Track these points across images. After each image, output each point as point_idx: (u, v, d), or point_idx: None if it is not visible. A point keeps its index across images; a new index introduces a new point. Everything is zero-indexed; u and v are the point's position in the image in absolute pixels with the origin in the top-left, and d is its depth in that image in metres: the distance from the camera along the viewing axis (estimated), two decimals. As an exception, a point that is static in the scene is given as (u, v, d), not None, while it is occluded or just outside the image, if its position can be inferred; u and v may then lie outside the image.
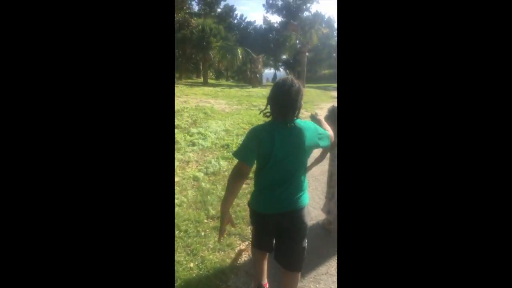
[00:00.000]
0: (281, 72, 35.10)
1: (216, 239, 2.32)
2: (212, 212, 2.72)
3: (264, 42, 23.95)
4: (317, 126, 1.45)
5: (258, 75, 17.34)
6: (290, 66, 28.45)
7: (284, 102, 1.33)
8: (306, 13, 24.94)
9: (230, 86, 17.45)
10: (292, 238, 1.44)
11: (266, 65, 29.64)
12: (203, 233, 2.39)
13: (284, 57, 29.15)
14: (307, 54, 20.44)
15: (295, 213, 1.39)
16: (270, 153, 1.32)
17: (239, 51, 17.48)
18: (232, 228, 2.19)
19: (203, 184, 3.35)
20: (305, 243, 1.49)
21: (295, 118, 1.36)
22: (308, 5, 24.69)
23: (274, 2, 24.74)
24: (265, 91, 14.46)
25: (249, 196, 1.98)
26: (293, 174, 1.37)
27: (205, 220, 2.60)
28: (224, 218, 1.41)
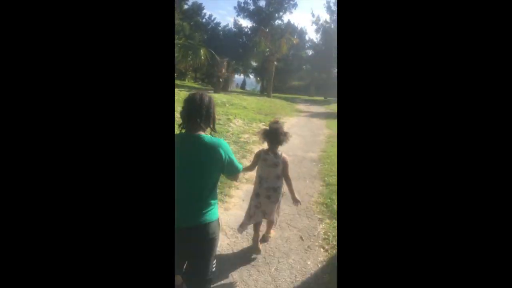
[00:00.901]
0: (251, 79, 34.15)
1: None
2: None
3: (234, 46, 22.80)
4: (229, 151, 1.38)
5: (221, 80, 16.02)
6: (260, 73, 27.56)
7: (187, 115, 1.36)
8: (278, 22, 24.29)
9: (189, 89, 15.99)
10: (199, 254, 1.40)
11: (235, 70, 28.50)
12: None
13: (255, 64, 28.25)
14: (275, 63, 19.57)
15: (202, 228, 1.36)
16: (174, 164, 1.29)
17: (202, 51, 16.09)
18: None
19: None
20: (214, 266, 1.49)
21: (203, 133, 1.37)
22: (281, 13, 24.08)
23: (245, 6, 23.79)
24: (226, 98, 13.23)
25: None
26: (198, 189, 1.34)
27: None
28: None
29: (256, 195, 2.35)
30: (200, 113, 1.33)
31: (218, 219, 1.43)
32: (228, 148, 1.38)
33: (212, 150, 1.32)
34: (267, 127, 2.37)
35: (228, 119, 8.34)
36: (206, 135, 1.35)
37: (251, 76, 32.86)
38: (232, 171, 1.43)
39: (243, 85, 33.69)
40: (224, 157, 1.34)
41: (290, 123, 10.13)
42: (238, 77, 33.70)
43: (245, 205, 2.75)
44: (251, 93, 22.69)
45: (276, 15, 23.94)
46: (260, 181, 2.31)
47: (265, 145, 2.41)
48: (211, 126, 1.41)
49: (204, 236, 1.35)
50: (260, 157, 2.31)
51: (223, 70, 16.11)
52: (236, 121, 8.36)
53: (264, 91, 21.90)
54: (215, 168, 1.34)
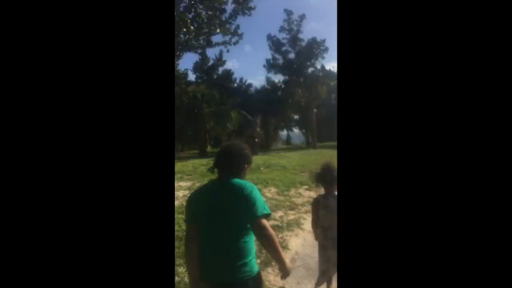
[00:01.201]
0: (295, 133, 32.49)
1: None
2: None
3: (269, 103, 21.84)
4: (257, 199, 1.21)
5: (256, 140, 14.40)
6: (303, 125, 25.78)
7: (220, 160, 1.32)
8: (311, 69, 23.11)
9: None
10: None
11: (277, 127, 27.29)
12: None
13: (296, 116, 26.79)
14: (315, 110, 17.65)
15: (239, 285, 1.22)
16: (199, 212, 1.27)
17: (232, 114, 15.05)
18: None
19: None
20: None
21: (231, 178, 1.28)
22: (313, 61, 23.00)
23: (274, 62, 23.32)
24: (263, 159, 11.34)
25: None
26: (228, 239, 1.22)
27: None
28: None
29: (322, 248, 2.01)
30: (235, 161, 1.30)
31: (259, 274, 1.29)
32: (252, 188, 1.24)
33: (237, 195, 1.21)
34: (319, 170, 2.04)
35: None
36: (235, 179, 1.27)
37: (295, 130, 31.29)
38: (250, 214, 1.18)
39: (288, 140, 32.07)
40: (244, 195, 1.20)
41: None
42: (284, 134, 32.44)
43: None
44: (295, 148, 20.64)
45: (308, 63, 22.89)
46: (324, 232, 1.97)
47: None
48: (240, 177, 1.31)
49: None
50: (319, 205, 1.99)
51: (258, 129, 14.62)
52: (268, 191, 6.14)
53: (310, 144, 19.57)
54: (241, 214, 1.20)
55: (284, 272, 1.24)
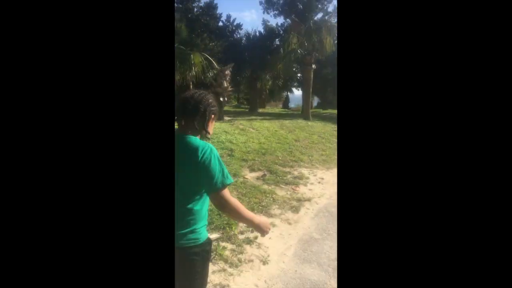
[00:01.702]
0: (295, 94, 27.80)
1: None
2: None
3: (262, 53, 17.13)
4: (216, 168, 1.11)
5: (221, 99, 10.22)
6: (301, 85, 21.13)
7: (179, 108, 1.21)
8: (320, 15, 17.87)
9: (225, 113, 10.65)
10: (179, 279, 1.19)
11: (275, 85, 22.72)
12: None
13: (300, 74, 22.02)
14: (313, 66, 13.04)
15: (182, 251, 1.17)
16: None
17: (193, 57, 10.66)
18: None
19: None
20: None
21: (189, 134, 1.18)
22: (325, 2, 17.63)
23: (274, -2, 17.95)
24: (219, 129, 7.44)
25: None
26: (179, 202, 1.10)
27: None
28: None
29: None
30: (192, 112, 1.17)
31: (208, 240, 1.25)
32: (211, 153, 1.12)
33: (191, 158, 1.10)
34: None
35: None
36: (192, 136, 1.17)
37: (294, 91, 26.58)
38: (209, 185, 1.12)
39: (285, 103, 27.49)
40: (200, 160, 1.10)
41: (327, 193, 3.67)
42: (294, 94, 27.58)
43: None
44: (289, 114, 16.46)
45: (319, 5, 17.60)
46: None
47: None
48: (205, 128, 1.21)
49: (183, 261, 1.17)
50: None
51: (225, 83, 10.36)
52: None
53: (303, 111, 15.20)
54: (195, 180, 1.12)
55: (260, 231, 1.21)
